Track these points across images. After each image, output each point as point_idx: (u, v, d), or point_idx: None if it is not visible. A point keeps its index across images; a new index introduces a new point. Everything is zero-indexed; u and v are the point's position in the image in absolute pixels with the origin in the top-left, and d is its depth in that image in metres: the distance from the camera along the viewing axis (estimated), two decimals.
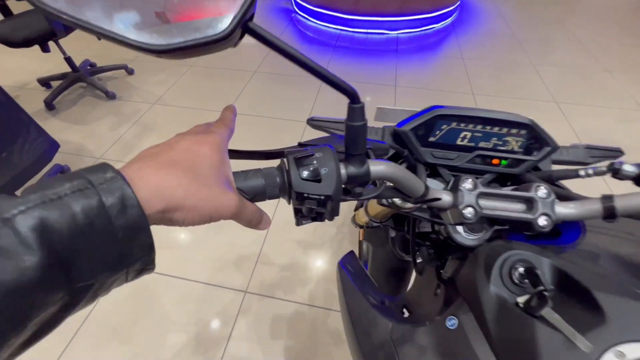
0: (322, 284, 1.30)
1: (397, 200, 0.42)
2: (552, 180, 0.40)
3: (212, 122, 0.31)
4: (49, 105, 2.07)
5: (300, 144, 0.35)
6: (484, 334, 0.33)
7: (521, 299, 0.34)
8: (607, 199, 0.32)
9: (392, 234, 0.69)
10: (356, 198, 0.31)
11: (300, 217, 0.30)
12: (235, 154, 0.31)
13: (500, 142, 0.41)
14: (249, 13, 0.20)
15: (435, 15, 2.99)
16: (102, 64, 2.38)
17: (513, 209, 0.34)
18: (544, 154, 0.41)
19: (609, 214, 0.32)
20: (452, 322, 0.36)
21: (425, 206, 0.43)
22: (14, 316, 0.17)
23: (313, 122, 0.47)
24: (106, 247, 0.19)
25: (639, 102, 2.19)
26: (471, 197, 0.33)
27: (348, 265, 0.59)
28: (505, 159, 0.42)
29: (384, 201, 0.43)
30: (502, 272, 0.35)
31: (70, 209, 0.18)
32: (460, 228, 0.42)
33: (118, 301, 1.24)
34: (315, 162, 0.27)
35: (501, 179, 0.44)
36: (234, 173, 0.28)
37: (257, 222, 0.30)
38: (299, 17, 3.24)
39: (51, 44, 1.97)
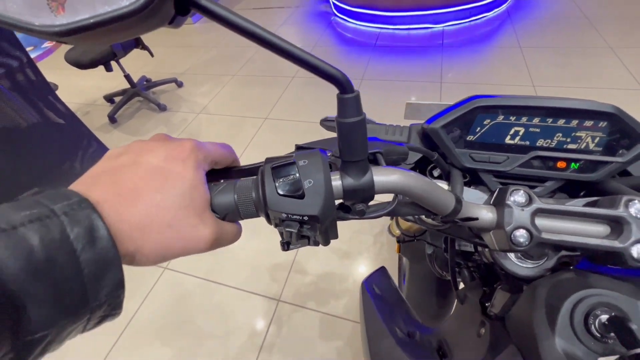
0: (357, 297, 1.21)
1: (424, 216, 0.34)
2: None
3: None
4: (112, 119, 2.30)
5: (297, 147, 0.29)
6: None
7: None
8: None
9: (429, 250, 0.59)
10: (359, 217, 0.24)
11: (286, 241, 0.24)
12: (216, 175, 0.26)
13: (568, 139, 0.31)
14: None
15: (487, 2, 2.72)
16: (156, 79, 2.59)
17: (590, 233, 0.24)
18: (636, 154, 0.29)
19: None
20: None
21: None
22: None
23: (326, 124, 0.41)
24: (69, 286, 0.16)
25: None
26: (524, 215, 0.24)
27: (374, 286, 0.51)
28: (577, 160, 0.31)
29: (409, 217, 0.35)
30: (574, 319, 0.25)
31: (27, 242, 0.15)
32: (512, 254, 0.33)
33: (162, 302, 1.29)
34: (296, 172, 0.21)
35: (571, 189, 0.33)
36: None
37: (233, 241, 0.25)
38: (338, 19, 3.20)
39: (113, 64, 2.19)
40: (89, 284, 0.17)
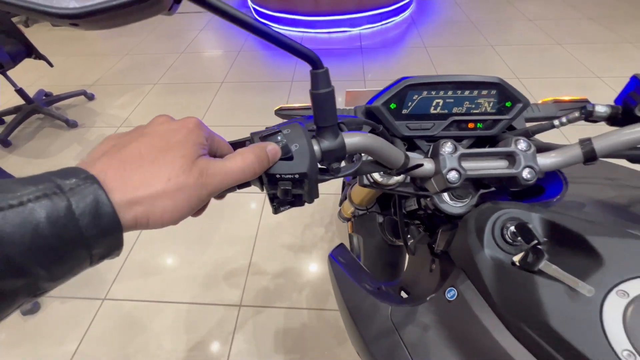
0: (318, 286, 1.26)
1: (378, 178, 0.40)
2: (528, 136, 0.39)
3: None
4: (4, 142, 1.94)
5: (267, 128, 0.32)
6: (485, 299, 0.32)
7: (517, 257, 0.33)
8: (585, 142, 0.32)
9: (380, 219, 0.67)
10: (334, 176, 0.28)
11: (278, 203, 0.28)
12: None
13: (473, 105, 0.41)
14: None
15: (394, 8, 3.05)
16: (58, 92, 2.26)
17: (496, 167, 0.33)
18: (517, 111, 0.40)
19: (590, 156, 0.32)
20: (451, 294, 0.35)
21: (408, 180, 0.42)
22: None
23: (282, 112, 0.45)
24: (74, 260, 0.17)
25: (591, 69, 2.32)
26: (453, 160, 0.32)
27: (339, 257, 0.57)
28: (480, 121, 0.41)
29: (365, 181, 0.41)
30: (494, 233, 0.34)
31: (33, 217, 0.16)
32: (446, 197, 0.41)
33: (106, 334, 1.16)
34: (284, 139, 0.25)
35: (480, 144, 0.44)
36: None
37: (260, 161, 0.24)
38: None
39: None
40: (93, 254, 0.18)
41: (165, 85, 2.43)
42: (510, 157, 0.33)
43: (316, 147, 0.27)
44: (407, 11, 3.24)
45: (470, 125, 0.41)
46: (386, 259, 0.78)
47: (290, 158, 0.25)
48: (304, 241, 1.41)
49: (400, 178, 0.40)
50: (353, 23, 2.98)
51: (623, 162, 0.39)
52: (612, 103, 0.34)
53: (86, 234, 0.17)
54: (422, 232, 0.52)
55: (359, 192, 0.62)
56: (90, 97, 2.30)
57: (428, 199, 0.41)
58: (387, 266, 0.79)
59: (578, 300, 0.26)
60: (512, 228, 0.33)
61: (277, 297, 1.24)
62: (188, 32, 3.17)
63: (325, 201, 1.55)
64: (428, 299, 0.37)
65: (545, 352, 0.26)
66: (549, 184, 0.45)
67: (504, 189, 0.36)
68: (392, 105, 0.40)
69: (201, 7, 0.19)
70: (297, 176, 0.25)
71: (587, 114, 0.34)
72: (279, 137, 0.25)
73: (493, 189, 0.40)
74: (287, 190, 0.25)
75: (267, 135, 0.25)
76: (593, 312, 0.25)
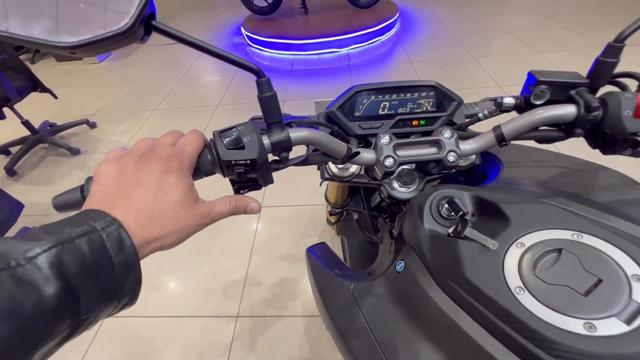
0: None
1: (334, 169, 0.46)
2: (463, 129, 0.46)
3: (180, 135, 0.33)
4: (10, 171, 2.02)
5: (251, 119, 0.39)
6: (424, 265, 0.37)
7: (451, 229, 0.38)
8: (496, 128, 0.38)
9: (355, 216, 0.73)
10: (286, 164, 0.34)
11: (238, 186, 0.34)
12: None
13: (415, 106, 0.47)
14: (144, 12, 0.24)
15: (379, 28, 3.21)
16: (62, 122, 2.37)
17: (426, 153, 0.39)
18: (453, 108, 0.47)
19: (500, 139, 0.38)
20: (400, 266, 0.40)
21: (363, 172, 0.48)
22: (27, 344, 0.19)
23: (254, 121, 0.52)
24: (106, 281, 0.23)
25: None
26: (389, 148, 0.38)
27: (317, 252, 0.62)
28: (423, 118, 0.47)
29: (326, 175, 0.47)
30: (432, 210, 0.39)
31: (81, 249, 0.22)
32: (396, 185, 0.47)
33: (107, 350, 1.18)
34: (236, 132, 0.31)
35: None
36: None
37: (239, 208, 0.32)
38: (253, 49, 3.39)
39: (6, 110, 1.95)
40: (119, 280, 0.23)
41: (164, 111, 2.54)
42: (437, 144, 0.39)
43: (266, 141, 0.33)
44: (392, 30, 3.41)
45: (415, 122, 0.48)
46: (367, 254, 0.83)
47: (242, 147, 0.31)
48: (299, 251, 1.45)
49: (355, 170, 0.46)
50: (341, 44, 3.13)
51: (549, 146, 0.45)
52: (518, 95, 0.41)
53: (114, 260, 0.23)
54: (387, 222, 0.58)
55: (331, 192, 0.68)
56: (92, 126, 2.41)
57: (383, 188, 0.47)
58: (368, 261, 0.83)
59: (487, 254, 0.31)
60: (446, 204, 0.39)
61: (273, 307, 1.27)
62: (185, 60, 3.34)
63: (318, 212, 1.60)
64: (383, 275, 0.42)
65: (463, 298, 0.31)
66: (491, 171, 0.51)
67: (449, 176, 0.42)
68: (346, 109, 0.47)
69: (164, 36, 0.26)
70: (248, 161, 0.31)
71: (499, 106, 0.40)
72: (233, 130, 0.31)
73: (436, 176, 0.46)
74: (241, 174, 0.31)
75: (223, 131, 0.32)
76: (497, 262, 0.30)
